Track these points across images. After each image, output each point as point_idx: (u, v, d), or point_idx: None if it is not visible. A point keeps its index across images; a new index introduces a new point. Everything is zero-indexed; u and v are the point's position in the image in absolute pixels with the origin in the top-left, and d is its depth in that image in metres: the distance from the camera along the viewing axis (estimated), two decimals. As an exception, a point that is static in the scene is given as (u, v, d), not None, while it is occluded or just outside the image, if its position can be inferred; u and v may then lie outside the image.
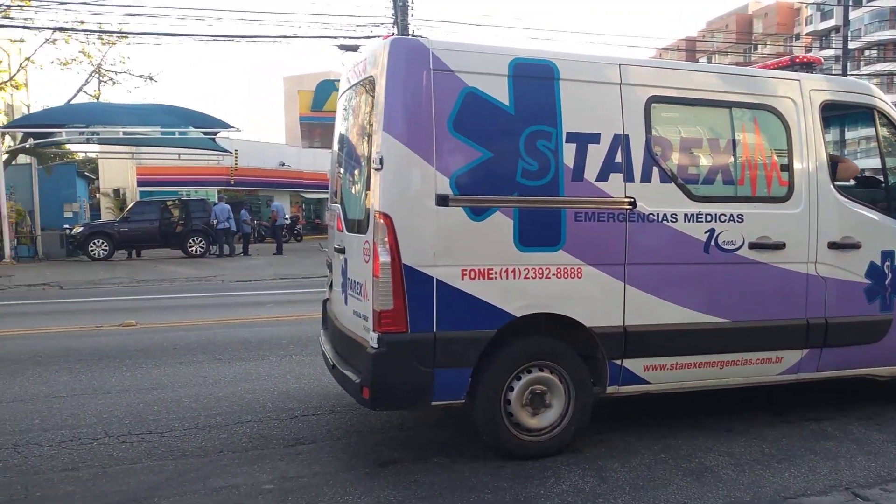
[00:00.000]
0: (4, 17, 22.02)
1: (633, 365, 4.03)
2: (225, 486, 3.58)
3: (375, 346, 3.58)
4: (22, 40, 27.79)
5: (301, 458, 3.96)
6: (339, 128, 4.71)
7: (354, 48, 16.59)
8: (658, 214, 3.99)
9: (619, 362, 3.99)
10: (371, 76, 3.84)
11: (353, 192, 4.29)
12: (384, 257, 3.53)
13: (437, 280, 3.62)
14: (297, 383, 5.57)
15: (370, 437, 4.34)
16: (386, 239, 3.54)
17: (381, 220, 3.56)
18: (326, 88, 39.22)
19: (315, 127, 40.78)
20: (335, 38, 17.55)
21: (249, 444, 4.21)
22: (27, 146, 21.22)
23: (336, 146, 4.74)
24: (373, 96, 3.78)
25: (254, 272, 15.91)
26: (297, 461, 3.92)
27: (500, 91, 3.73)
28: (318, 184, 34.75)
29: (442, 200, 3.61)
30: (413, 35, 17.29)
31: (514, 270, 3.74)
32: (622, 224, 3.92)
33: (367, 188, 3.79)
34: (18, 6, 21.04)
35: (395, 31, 17.31)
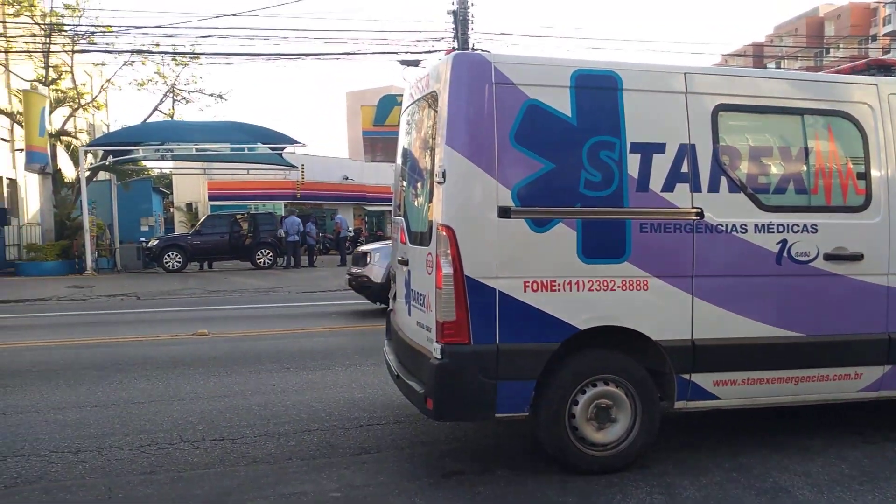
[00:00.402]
0: (89, 43, 23.37)
1: (703, 380, 3.93)
2: (294, 492, 3.68)
3: (439, 356, 3.61)
4: (103, 63, 29.38)
5: (366, 467, 4.02)
6: (403, 142, 4.79)
7: (416, 63, 16.87)
8: (727, 225, 3.89)
9: (687, 377, 3.90)
10: (434, 91, 3.90)
11: (416, 204, 4.36)
12: (447, 269, 3.57)
13: (500, 292, 3.63)
14: (362, 393, 5.66)
15: (434, 448, 4.38)
16: (448, 251, 3.58)
17: (444, 233, 3.60)
18: (388, 103, 39.90)
19: (377, 141, 41.50)
20: (397, 53, 17.84)
21: (317, 451, 4.30)
22: (107, 163, 22.39)
23: (399, 160, 4.83)
24: (435, 111, 3.84)
25: (319, 283, 16.27)
26: (362, 470, 3.99)
27: (562, 103, 3.73)
28: (380, 197, 35.35)
29: (504, 212, 3.63)
30: (473, 49, 17.43)
31: (577, 282, 3.71)
32: (689, 235, 3.84)
33: (430, 201, 3.84)
34: (101, 32, 22.28)
35: (456, 45, 17.47)
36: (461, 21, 17.56)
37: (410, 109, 4.56)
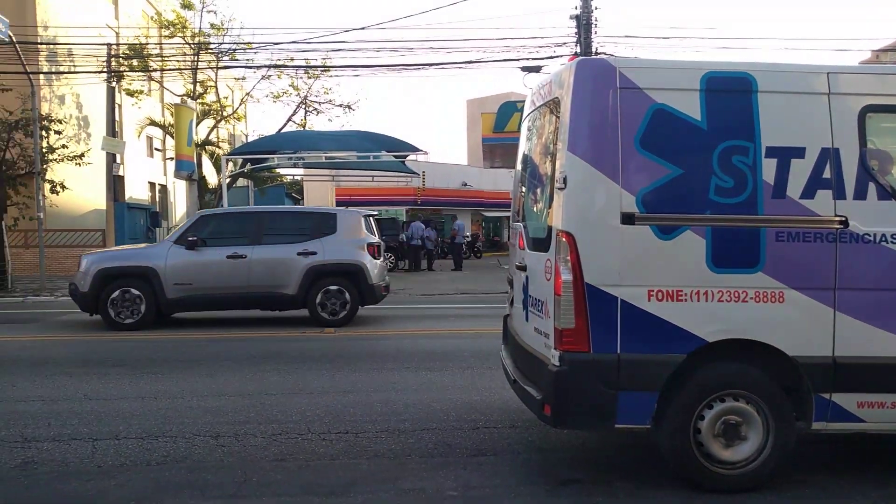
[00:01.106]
0: (231, 60, 25.24)
1: (845, 400, 3.64)
2: (413, 488, 3.79)
3: (557, 364, 3.59)
4: (244, 78, 31.61)
5: (483, 469, 4.07)
6: (523, 148, 4.81)
7: (537, 69, 16.80)
8: (875, 235, 3.59)
9: (827, 396, 3.63)
10: (556, 97, 3.90)
11: (536, 210, 4.37)
12: (566, 276, 3.55)
13: (622, 300, 3.56)
14: (479, 396, 5.73)
15: (551, 455, 4.35)
16: (568, 257, 3.56)
17: (564, 239, 3.58)
18: (508, 110, 39.91)
19: (496, 147, 41.61)
20: (518, 60, 17.84)
21: (434, 450, 4.41)
22: (245, 171, 24.03)
23: (519, 166, 4.85)
24: (557, 116, 3.84)
25: (437, 287, 16.60)
26: (479, 471, 4.04)
27: (691, 106, 3.61)
28: (498, 202, 35.50)
29: (627, 219, 3.56)
30: (597, 53, 17.11)
31: (706, 293, 3.57)
32: (832, 245, 3.59)
33: (550, 207, 3.84)
34: (242, 49, 24.00)
35: (579, 50, 17.23)
36: (584, 25, 17.30)
37: (532, 116, 4.58)
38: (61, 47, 22.08)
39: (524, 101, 5.26)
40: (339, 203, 32.90)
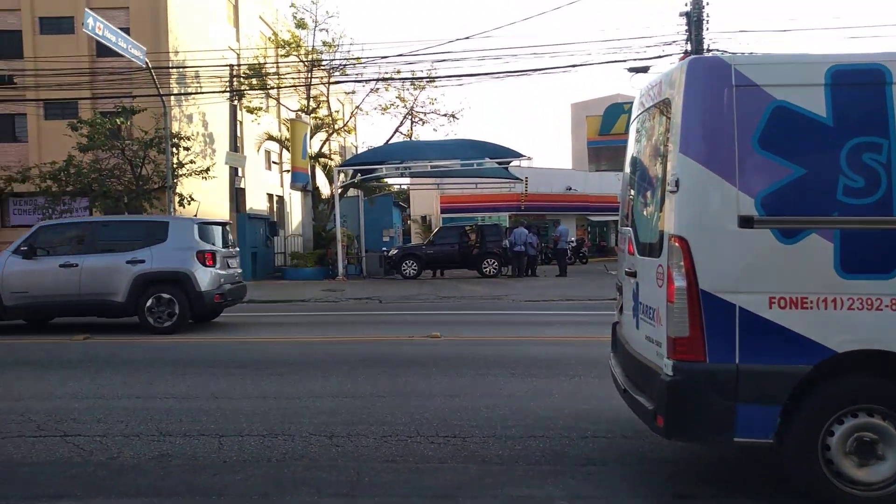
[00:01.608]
0: (342, 75, 26.28)
1: None
2: (521, 495, 3.78)
3: (670, 373, 3.48)
4: (353, 91, 32.82)
5: (592, 479, 4.00)
6: (632, 150, 4.70)
7: (645, 69, 16.35)
8: None
9: (977, 414, 3.29)
10: (667, 98, 3.79)
11: (646, 214, 4.25)
12: (679, 282, 3.43)
13: (740, 308, 3.40)
14: (587, 404, 5.63)
15: (663, 467, 4.21)
16: (682, 263, 3.44)
17: (677, 244, 3.47)
18: (614, 112, 39.12)
19: (602, 150, 40.89)
20: (625, 61, 17.45)
21: (542, 458, 4.38)
22: (356, 181, 24.93)
23: (628, 169, 4.74)
24: (668, 118, 3.72)
25: (541, 293, 16.46)
26: (588, 481, 3.97)
27: (815, 102, 3.39)
28: (604, 206, 34.72)
29: (746, 222, 3.39)
30: (708, 50, 16.41)
31: (834, 300, 3.34)
32: (978, 248, 3.25)
33: (661, 210, 3.73)
34: (352, 64, 24.93)
35: (689, 47, 16.59)
36: (695, 22, 16.64)
37: (641, 117, 4.46)
38: (189, 70, 23.85)
39: (631, 103, 5.14)
40: (443, 210, 33.41)
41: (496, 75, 19.37)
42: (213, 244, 11.00)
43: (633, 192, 4.59)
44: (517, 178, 25.84)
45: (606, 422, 5.10)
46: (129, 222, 11.92)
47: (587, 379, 6.53)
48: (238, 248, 12.50)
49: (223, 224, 12.03)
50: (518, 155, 22.78)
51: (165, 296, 10.29)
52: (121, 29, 18.98)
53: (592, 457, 4.38)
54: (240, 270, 12.22)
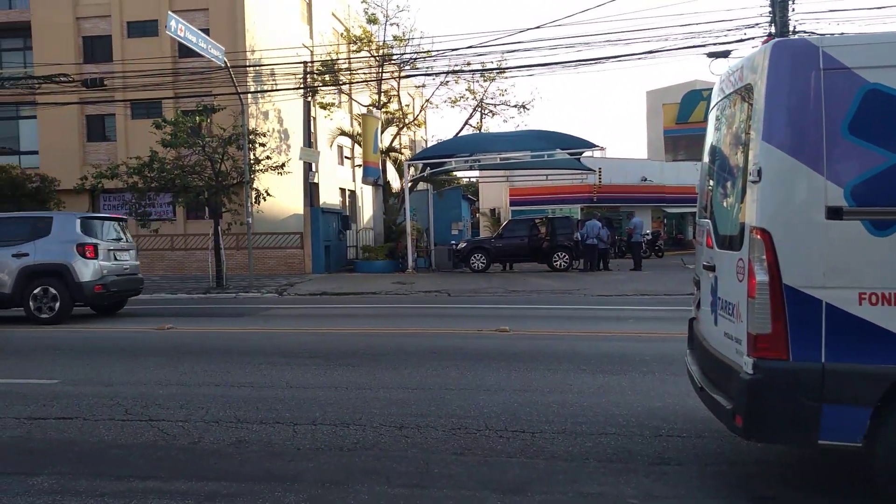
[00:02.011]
0: (412, 69, 26.48)
1: None
2: (591, 492, 3.72)
3: (750, 371, 3.32)
4: (423, 85, 33.02)
5: (666, 478, 3.89)
6: (711, 139, 4.51)
7: (725, 54, 15.66)
8: None
9: None
10: (749, 83, 3.61)
11: (726, 205, 4.07)
12: (761, 276, 3.27)
13: (827, 304, 3.21)
14: (661, 402, 5.47)
15: (742, 468, 4.05)
16: (764, 256, 3.28)
17: (759, 236, 3.30)
18: (693, 99, 37.80)
19: (680, 139, 39.60)
20: (703, 46, 16.73)
21: (614, 455, 4.28)
22: (425, 175, 25.08)
23: (706, 158, 4.56)
24: (750, 104, 3.55)
25: (614, 287, 16.12)
26: (662, 480, 3.86)
27: (913, 85, 3.16)
28: (681, 198, 33.69)
29: (834, 213, 3.20)
30: (794, 32, 15.60)
31: (932, 296, 3.10)
32: None
33: (742, 201, 3.56)
34: (422, 57, 25.08)
35: (773, 30, 15.82)
36: (779, 3, 15.83)
37: (721, 104, 4.28)
38: (265, 68, 24.57)
39: (710, 90, 4.95)
40: (512, 203, 33.20)
41: (567, 64, 18.98)
42: (99, 238, 11.68)
43: (711, 182, 4.41)
44: (589, 169, 25.35)
45: (681, 420, 4.95)
46: (15, 218, 12.46)
47: (661, 376, 6.35)
48: (132, 242, 13.25)
49: (118, 219, 12.66)
50: (590, 145, 22.34)
51: (43, 287, 11.18)
52: (201, 30, 19.73)
53: (666, 456, 4.25)
54: (135, 263, 12.90)
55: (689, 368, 4.46)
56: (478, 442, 4.60)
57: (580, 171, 25.25)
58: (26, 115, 26.44)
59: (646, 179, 35.15)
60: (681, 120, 39.00)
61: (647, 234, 28.83)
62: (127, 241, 12.86)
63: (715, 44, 16.41)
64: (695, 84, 40.79)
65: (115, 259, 12.05)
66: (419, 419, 5.12)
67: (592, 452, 4.35)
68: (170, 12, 18.06)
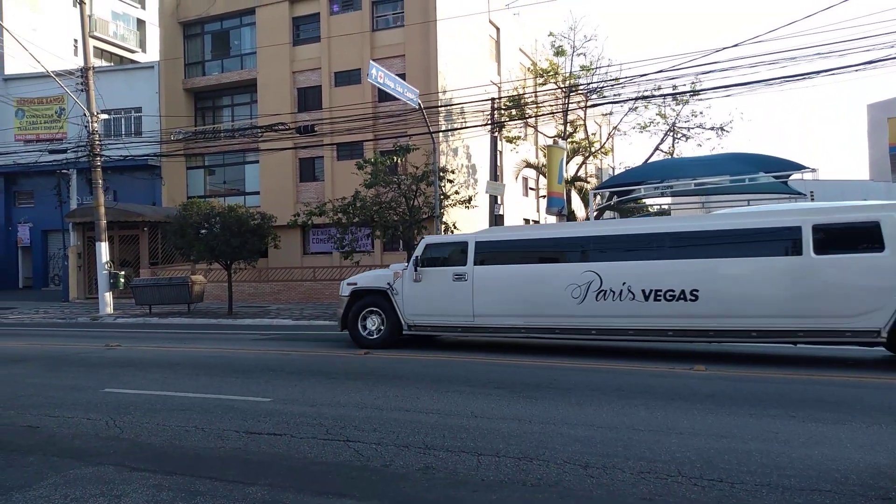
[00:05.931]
0: (599, 97, 26.18)
1: None
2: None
3: None
4: (611, 113, 32.47)
5: (896, 551, 3.36)
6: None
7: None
8: None
9: None
10: None
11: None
12: None
13: None
14: (888, 458, 4.76)
15: None
16: None
17: None
18: (925, 110, 33.05)
19: (909, 157, 34.71)
20: (937, 49, 14.60)
21: (829, 517, 3.80)
22: (611, 203, 24.46)
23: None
24: None
25: (831, 324, 14.37)
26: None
27: None
28: (913, 223, 29.37)
29: None
30: None
31: None
32: None
33: None
34: (610, 85, 24.72)
35: None
36: None
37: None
38: (455, 107, 25.72)
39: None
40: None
41: (771, 82, 17.57)
42: None
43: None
44: (799, 193, 23.02)
45: (916, 483, 4.26)
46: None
47: (890, 428, 5.53)
48: None
49: None
50: (798, 167, 20.33)
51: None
52: (398, 75, 21.20)
53: (897, 524, 3.68)
54: None
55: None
56: (669, 488, 4.33)
57: (788, 195, 23.07)
58: (251, 160, 30.10)
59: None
60: (912, 134, 34.19)
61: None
62: None
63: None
64: (929, 92, 35.65)
65: None
66: (605, 459, 4.94)
67: (803, 511, 3.89)
68: (371, 61, 19.66)
